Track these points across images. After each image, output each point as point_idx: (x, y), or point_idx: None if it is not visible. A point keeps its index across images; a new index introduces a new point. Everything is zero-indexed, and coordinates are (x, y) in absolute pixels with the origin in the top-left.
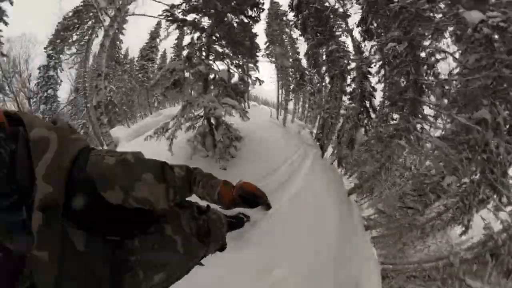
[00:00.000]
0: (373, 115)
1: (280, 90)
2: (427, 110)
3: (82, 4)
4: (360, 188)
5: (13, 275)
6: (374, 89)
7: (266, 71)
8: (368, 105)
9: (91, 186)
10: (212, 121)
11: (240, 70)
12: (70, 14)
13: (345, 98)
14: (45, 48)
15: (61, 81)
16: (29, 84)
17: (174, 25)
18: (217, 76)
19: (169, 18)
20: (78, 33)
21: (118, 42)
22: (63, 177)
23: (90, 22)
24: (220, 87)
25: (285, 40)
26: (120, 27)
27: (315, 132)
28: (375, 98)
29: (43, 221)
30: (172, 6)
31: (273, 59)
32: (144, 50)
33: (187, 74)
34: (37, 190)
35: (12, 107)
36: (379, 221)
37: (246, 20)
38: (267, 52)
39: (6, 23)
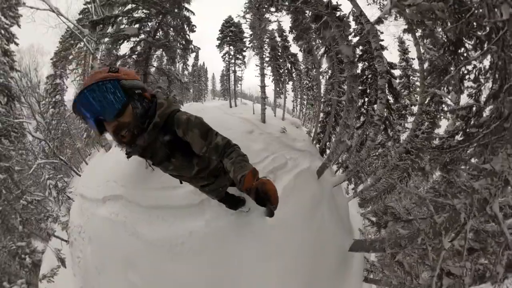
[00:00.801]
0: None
1: (269, 82)
2: None
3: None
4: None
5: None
6: (393, 65)
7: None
8: (385, 87)
9: (172, 125)
10: None
11: None
12: (67, 35)
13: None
14: (51, 59)
15: (67, 87)
16: (39, 89)
17: None
18: None
19: None
20: (75, 51)
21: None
22: (164, 118)
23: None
24: None
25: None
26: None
27: (314, 132)
28: (395, 78)
29: (152, 129)
30: None
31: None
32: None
33: None
34: (154, 121)
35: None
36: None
37: None
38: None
39: (17, 44)
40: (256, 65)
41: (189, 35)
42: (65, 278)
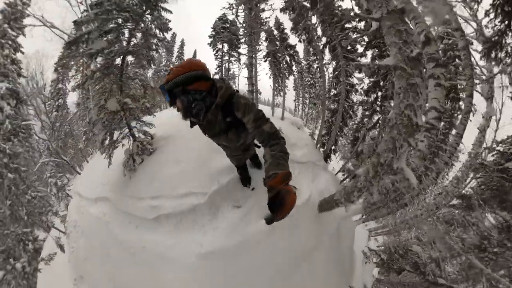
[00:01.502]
0: None
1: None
2: None
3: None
4: None
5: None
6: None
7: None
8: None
9: (231, 107)
10: None
11: None
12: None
13: (359, 75)
14: (54, 64)
15: (69, 91)
16: (44, 91)
17: None
18: None
19: None
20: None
21: None
22: (225, 98)
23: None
24: None
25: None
26: None
27: (318, 134)
28: None
29: (215, 108)
30: None
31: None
32: None
33: None
34: (220, 102)
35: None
36: None
37: None
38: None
39: (22, 53)
40: (241, 54)
41: (162, 36)
42: (62, 264)
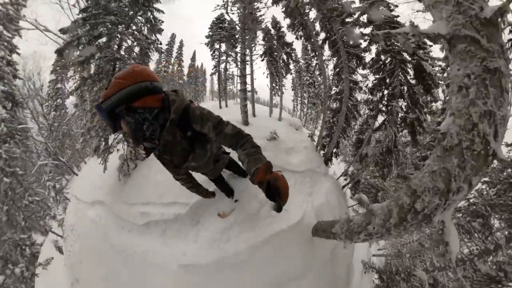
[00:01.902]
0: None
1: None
2: None
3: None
4: None
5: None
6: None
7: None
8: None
9: (188, 121)
10: None
11: None
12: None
13: (363, 71)
14: (52, 65)
15: (68, 91)
16: (41, 92)
17: None
18: None
19: None
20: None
21: None
22: (180, 113)
23: None
24: None
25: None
26: None
27: (319, 136)
28: (425, 60)
29: (170, 126)
30: None
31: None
32: None
33: None
34: (175, 118)
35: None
36: None
37: None
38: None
39: (18, 54)
40: (238, 53)
41: (154, 37)
42: (59, 268)
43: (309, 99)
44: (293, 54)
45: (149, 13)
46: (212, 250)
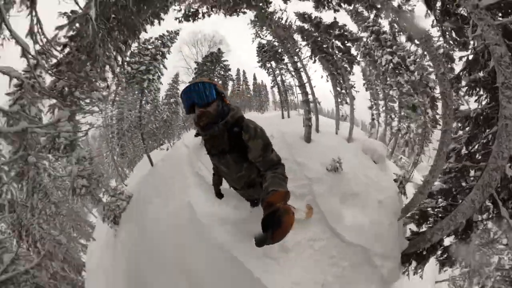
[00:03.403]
0: None
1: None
2: None
3: None
4: None
5: None
6: None
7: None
8: None
9: (239, 129)
10: None
11: None
12: None
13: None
14: None
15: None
16: None
17: None
18: None
19: None
20: None
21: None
22: (235, 119)
23: None
24: None
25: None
26: None
27: (425, 180)
28: None
29: (223, 125)
30: None
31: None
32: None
33: None
34: (226, 119)
35: None
36: None
37: None
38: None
39: None
40: (288, 63)
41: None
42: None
43: (402, 98)
44: (346, 33)
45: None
46: None
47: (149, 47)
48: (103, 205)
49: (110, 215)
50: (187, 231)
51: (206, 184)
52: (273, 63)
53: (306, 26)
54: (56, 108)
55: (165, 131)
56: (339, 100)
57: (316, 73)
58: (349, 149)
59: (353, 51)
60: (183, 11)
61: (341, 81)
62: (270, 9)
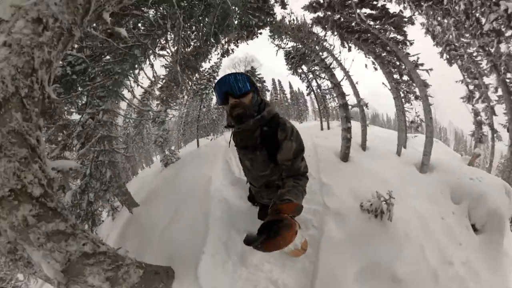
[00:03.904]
0: None
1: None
2: None
3: None
4: None
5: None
6: None
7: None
8: None
9: (275, 127)
10: None
11: None
12: None
13: None
14: None
15: None
16: None
17: None
18: None
19: None
20: None
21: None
22: (270, 115)
23: None
24: None
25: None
26: None
27: None
28: None
29: (258, 120)
30: None
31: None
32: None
33: None
34: (262, 113)
35: None
36: None
37: None
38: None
39: None
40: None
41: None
42: None
43: None
44: None
45: (257, 77)
46: None
47: (205, 74)
48: (164, 155)
49: (165, 161)
50: (202, 193)
51: (228, 171)
52: (303, 67)
53: (320, 14)
54: (161, 105)
55: (212, 127)
56: (401, 95)
57: (358, 64)
58: (418, 185)
59: (394, 7)
60: (219, 52)
61: (397, 63)
62: (278, 18)
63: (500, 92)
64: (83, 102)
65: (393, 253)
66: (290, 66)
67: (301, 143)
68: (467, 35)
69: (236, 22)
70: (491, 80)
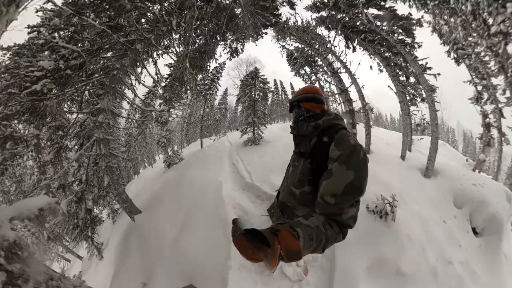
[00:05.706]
0: None
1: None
2: None
3: None
4: None
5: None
6: None
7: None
8: None
9: (330, 137)
10: None
11: None
12: None
13: None
14: None
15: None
16: None
17: None
18: None
19: None
20: None
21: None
22: (326, 124)
23: None
24: None
25: None
26: None
27: None
28: None
29: (313, 127)
30: None
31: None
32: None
33: None
34: (320, 125)
35: None
36: None
37: None
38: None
39: None
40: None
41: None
42: None
43: None
44: None
45: (260, 78)
46: None
47: (209, 74)
48: (167, 155)
49: (168, 162)
50: (214, 199)
51: (238, 175)
52: (306, 68)
53: (324, 13)
54: (164, 104)
55: (215, 127)
56: (407, 98)
57: (363, 64)
58: (422, 190)
59: (401, 7)
60: (229, 51)
61: (403, 65)
62: (283, 19)
63: (508, 94)
64: (78, 100)
65: (397, 251)
66: (292, 67)
67: (362, 175)
68: (475, 34)
69: (242, 22)
70: (499, 81)
